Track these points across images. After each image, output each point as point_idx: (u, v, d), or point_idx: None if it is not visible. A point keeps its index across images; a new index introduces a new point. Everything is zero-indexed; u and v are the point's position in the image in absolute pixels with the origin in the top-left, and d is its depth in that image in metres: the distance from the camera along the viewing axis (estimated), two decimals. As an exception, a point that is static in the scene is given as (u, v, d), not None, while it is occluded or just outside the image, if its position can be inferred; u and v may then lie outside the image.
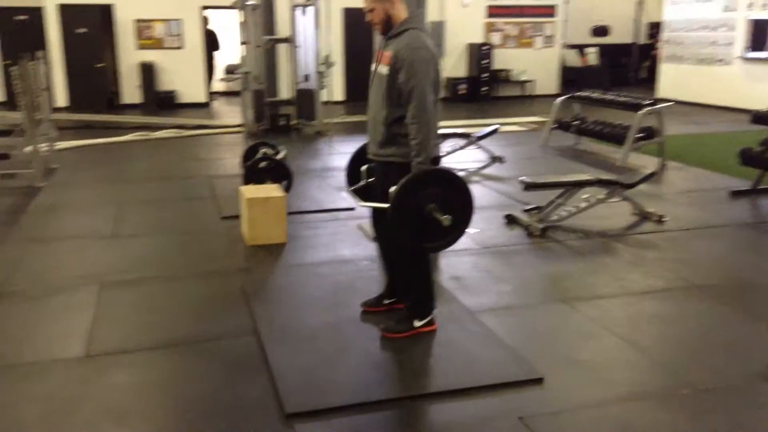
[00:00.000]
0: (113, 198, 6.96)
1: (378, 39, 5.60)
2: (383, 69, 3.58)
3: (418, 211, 3.40)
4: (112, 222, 6.11)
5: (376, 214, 3.89)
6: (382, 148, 3.66)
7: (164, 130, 11.28)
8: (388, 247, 3.91)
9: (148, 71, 14.19)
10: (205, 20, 15.04)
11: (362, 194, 4.00)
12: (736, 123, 12.09)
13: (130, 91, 14.32)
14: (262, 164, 6.59)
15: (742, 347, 3.73)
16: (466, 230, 3.56)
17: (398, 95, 3.51)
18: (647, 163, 8.33)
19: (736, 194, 7.05)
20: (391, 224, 3.46)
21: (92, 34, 13.91)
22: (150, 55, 14.35)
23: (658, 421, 3.07)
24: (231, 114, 13.57)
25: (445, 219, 3.37)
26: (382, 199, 3.69)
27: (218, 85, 16.96)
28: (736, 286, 4.65)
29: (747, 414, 3.12)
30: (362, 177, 4.03)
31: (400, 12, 3.60)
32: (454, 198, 3.45)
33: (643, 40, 19.10)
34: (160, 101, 14.26)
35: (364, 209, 6.28)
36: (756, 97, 12.99)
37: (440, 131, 3.81)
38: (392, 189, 3.41)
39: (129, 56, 14.27)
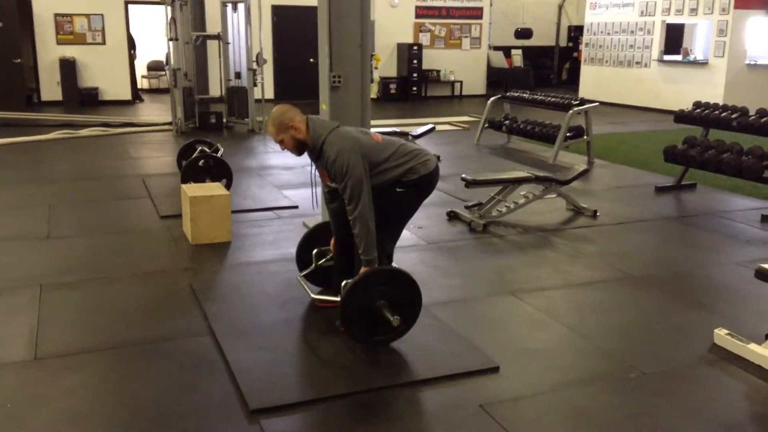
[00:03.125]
0: (43, 198, 6.70)
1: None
2: (332, 185, 3.75)
3: (368, 309, 3.51)
4: (45, 223, 5.89)
5: (336, 215, 3.93)
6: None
7: (90, 128, 10.92)
8: (346, 245, 3.94)
9: (69, 67, 13.70)
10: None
11: (313, 278, 4.19)
12: (654, 122, 12.70)
13: (51, 88, 13.80)
14: (201, 162, 6.51)
15: (682, 333, 3.95)
16: (414, 324, 3.68)
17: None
18: (576, 160, 8.64)
19: (661, 190, 7.42)
20: (342, 320, 3.60)
21: (9, 28, 13.31)
22: (71, 51, 13.86)
23: (609, 403, 3.22)
24: (157, 112, 13.25)
25: (395, 320, 3.49)
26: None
27: (141, 82, 16.50)
28: (670, 276, 4.90)
29: (692, 395, 3.31)
30: (313, 261, 4.19)
31: (303, 130, 3.65)
32: (402, 295, 3.58)
33: (563, 43, 19.75)
34: (83, 98, 13.80)
35: (306, 207, 6.31)
36: (671, 97, 13.67)
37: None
38: (344, 285, 3.57)
39: (48, 52, 13.76)
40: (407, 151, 3.77)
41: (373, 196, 3.60)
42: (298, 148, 3.71)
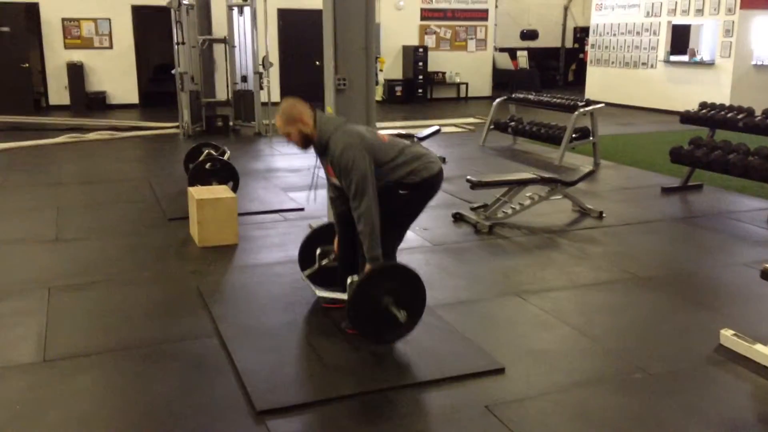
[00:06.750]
0: (52, 201, 6.75)
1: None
2: (335, 180, 3.75)
3: (375, 306, 3.55)
4: (54, 226, 5.93)
5: (341, 217, 3.95)
6: None
7: (97, 132, 10.98)
8: (351, 242, 3.94)
9: (76, 71, 13.78)
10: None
11: (317, 278, 4.20)
12: (661, 123, 12.67)
13: (58, 92, 13.88)
14: (208, 165, 6.54)
15: (688, 334, 3.95)
16: (420, 320, 3.71)
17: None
18: (582, 162, 8.62)
19: (667, 191, 7.41)
20: (349, 319, 3.67)
21: (16, 33, 13.42)
22: (78, 55, 13.94)
23: (615, 404, 3.22)
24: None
25: (402, 315, 3.53)
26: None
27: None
28: (676, 276, 4.90)
29: (697, 396, 3.31)
30: (316, 260, 4.21)
31: (311, 124, 3.67)
32: (408, 291, 3.61)
33: (569, 44, 19.73)
34: (90, 102, 13.87)
35: (312, 209, 6.35)
36: (677, 98, 13.63)
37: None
38: (349, 283, 3.64)
39: (56, 56, 13.84)
40: (412, 153, 3.79)
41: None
42: (304, 142, 3.72)
